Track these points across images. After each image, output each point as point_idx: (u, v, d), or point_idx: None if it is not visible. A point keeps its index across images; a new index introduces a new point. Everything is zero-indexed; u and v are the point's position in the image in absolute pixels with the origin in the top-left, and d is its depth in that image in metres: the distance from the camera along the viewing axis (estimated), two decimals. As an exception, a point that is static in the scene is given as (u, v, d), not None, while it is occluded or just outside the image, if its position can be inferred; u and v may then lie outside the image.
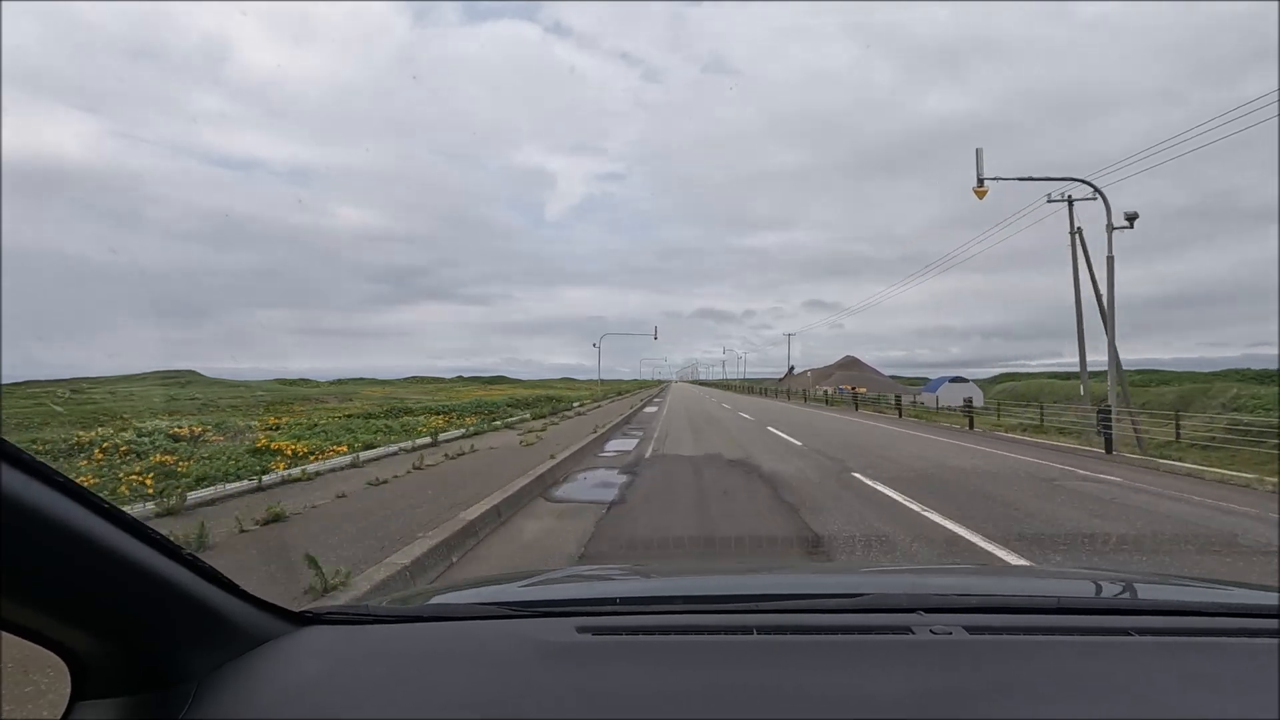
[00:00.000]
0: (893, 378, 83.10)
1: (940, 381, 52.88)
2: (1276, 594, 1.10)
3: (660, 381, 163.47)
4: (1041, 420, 19.83)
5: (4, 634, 0.64)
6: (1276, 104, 12.76)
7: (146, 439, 12.34)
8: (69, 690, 0.73)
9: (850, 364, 77.08)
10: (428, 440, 11.72)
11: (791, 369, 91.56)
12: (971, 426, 18.72)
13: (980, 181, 14.50)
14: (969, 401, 27.12)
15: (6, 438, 0.57)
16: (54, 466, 0.62)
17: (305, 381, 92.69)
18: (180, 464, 9.36)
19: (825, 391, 50.00)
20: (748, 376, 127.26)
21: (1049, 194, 17.62)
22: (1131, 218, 14.24)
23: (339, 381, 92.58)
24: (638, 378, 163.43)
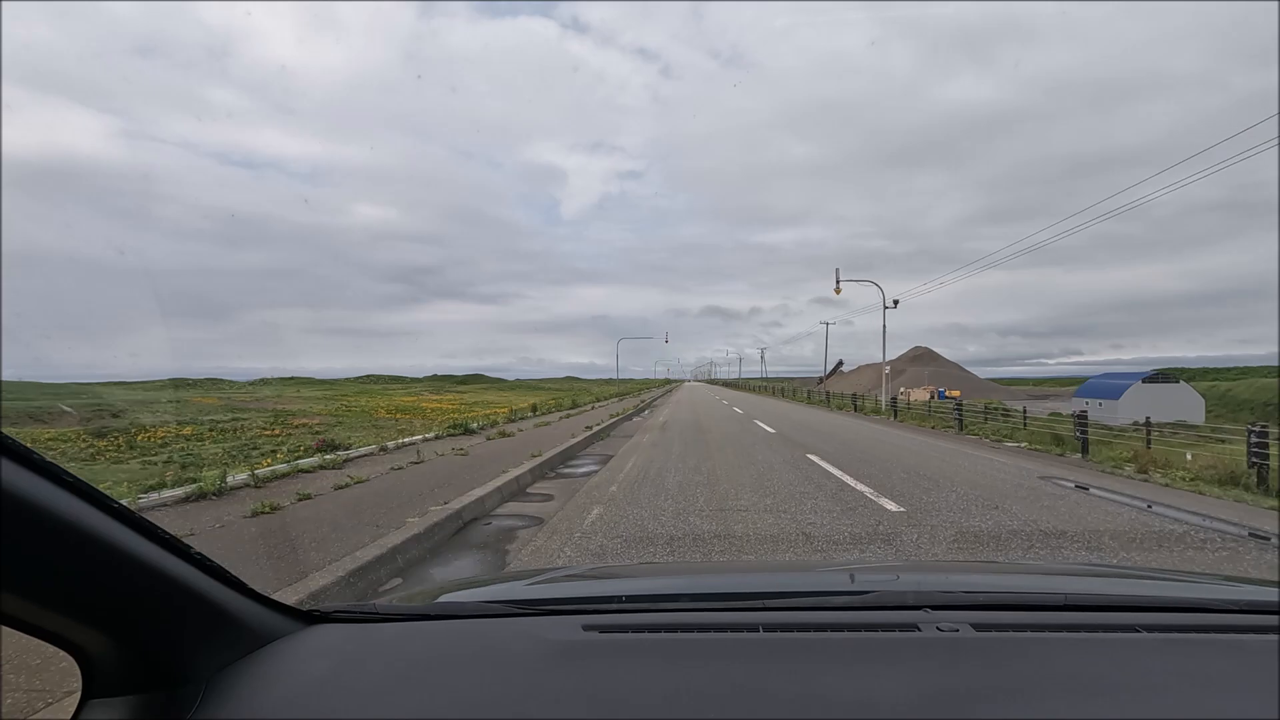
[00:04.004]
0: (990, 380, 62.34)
1: (1120, 383, 31.33)
2: (1277, 589, 1.10)
3: (671, 381, 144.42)
4: None
5: (18, 632, 0.64)
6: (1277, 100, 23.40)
7: None
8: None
9: (925, 356, 56.90)
10: None
11: (840, 364, 71.98)
12: None
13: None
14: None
15: None
16: None
17: (222, 382, 75.83)
18: None
19: (928, 402, 29.72)
20: (765, 375, 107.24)
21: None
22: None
23: (263, 381, 75.51)
24: (649, 377, 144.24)
